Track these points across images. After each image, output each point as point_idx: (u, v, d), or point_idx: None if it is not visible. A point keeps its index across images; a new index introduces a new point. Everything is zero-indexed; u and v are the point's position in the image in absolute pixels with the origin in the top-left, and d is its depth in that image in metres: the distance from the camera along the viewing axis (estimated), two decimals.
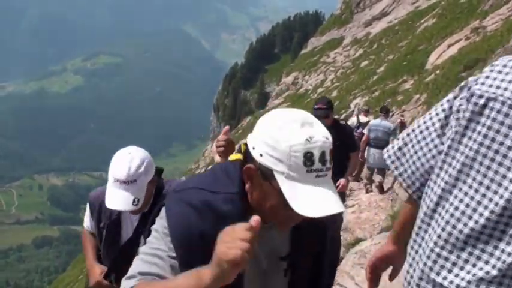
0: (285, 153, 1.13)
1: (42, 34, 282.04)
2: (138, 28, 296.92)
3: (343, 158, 4.84)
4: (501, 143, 1.31)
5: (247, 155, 1.25)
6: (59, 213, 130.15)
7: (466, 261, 1.35)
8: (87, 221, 2.58)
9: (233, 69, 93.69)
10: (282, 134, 1.15)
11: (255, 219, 1.06)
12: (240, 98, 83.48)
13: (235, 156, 1.35)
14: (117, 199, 2.13)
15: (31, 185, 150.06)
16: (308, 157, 1.13)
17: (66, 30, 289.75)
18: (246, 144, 1.28)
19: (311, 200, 1.14)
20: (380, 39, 38.24)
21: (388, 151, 1.65)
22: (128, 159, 2.13)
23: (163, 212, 1.34)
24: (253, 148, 1.20)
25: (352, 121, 11.31)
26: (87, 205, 2.53)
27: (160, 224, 1.33)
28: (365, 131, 9.31)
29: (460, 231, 1.36)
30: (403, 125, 12.12)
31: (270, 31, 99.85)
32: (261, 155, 1.18)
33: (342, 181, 4.89)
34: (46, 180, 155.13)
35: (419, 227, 1.51)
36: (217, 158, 2.11)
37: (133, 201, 2.12)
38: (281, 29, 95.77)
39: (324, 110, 4.60)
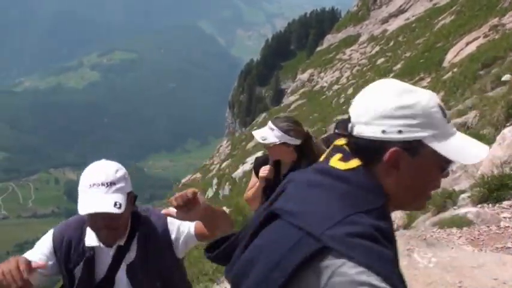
0: (427, 113, 1.04)
1: (59, 30, 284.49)
2: (153, 24, 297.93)
3: None
4: None
5: (372, 149, 1.07)
6: (75, 207, 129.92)
7: None
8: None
9: (249, 65, 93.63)
10: (411, 97, 1.05)
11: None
12: (255, 95, 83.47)
13: (349, 164, 1.09)
14: (95, 201, 1.76)
15: (48, 179, 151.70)
16: (442, 108, 1.07)
17: (82, 26, 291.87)
18: (346, 144, 1.13)
19: (469, 147, 1.06)
20: (397, 36, 37.99)
21: None
22: (102, 164, 1.86)
23: (348, 269, 0.93)
24: (383, 132, 1.04)
25: None
26: (47, 242, 1.98)
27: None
28: None
29: None
30: None
31: (286, 28, 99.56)
32: (399, 131, 1.03)
33: None
34: (62, 174, 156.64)
35: None
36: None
37: (115, 204, 1.74)
38: (297, 26, 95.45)
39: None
